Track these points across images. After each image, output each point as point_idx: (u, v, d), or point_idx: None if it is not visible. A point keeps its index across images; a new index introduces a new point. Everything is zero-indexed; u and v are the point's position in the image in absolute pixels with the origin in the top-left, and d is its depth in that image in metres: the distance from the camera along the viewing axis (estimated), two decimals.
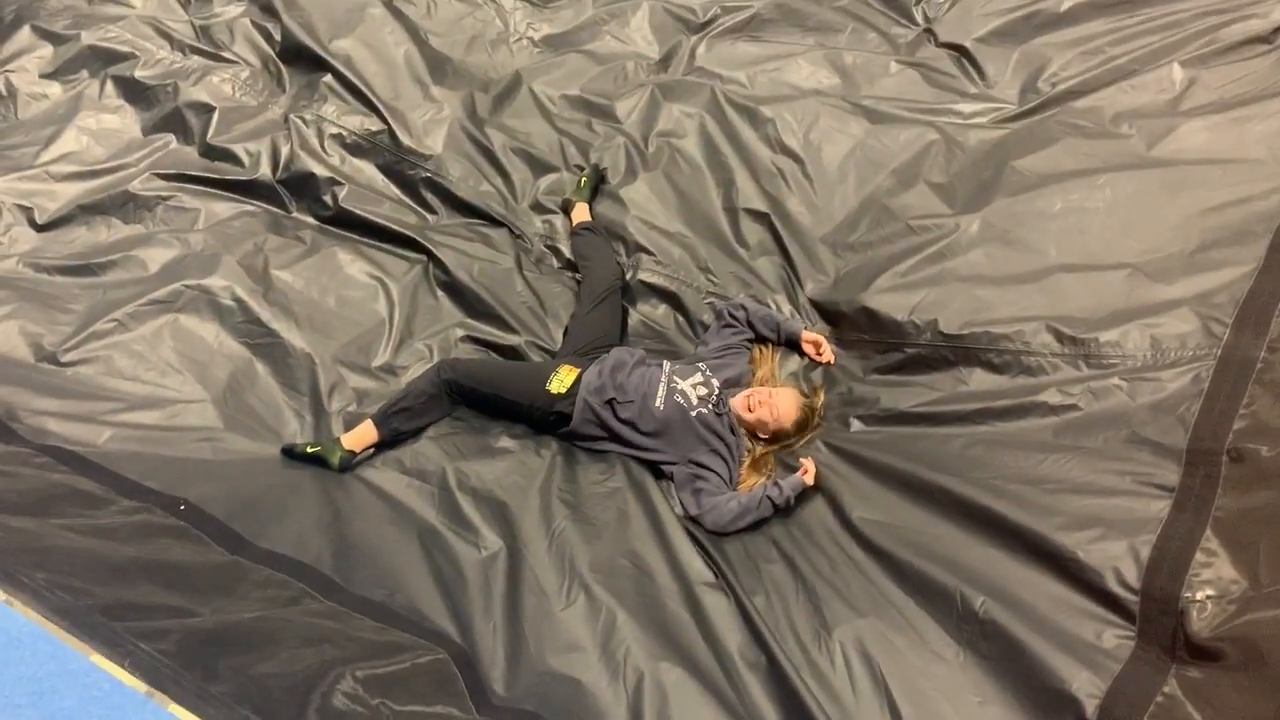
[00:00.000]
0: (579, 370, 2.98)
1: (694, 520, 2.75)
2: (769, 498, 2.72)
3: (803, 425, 2.95)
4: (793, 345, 3.21)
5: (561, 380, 2.95)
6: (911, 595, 2.39)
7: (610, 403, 2.91)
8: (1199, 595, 1.99)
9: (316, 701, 1.74)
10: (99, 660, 1.23)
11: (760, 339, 3.21)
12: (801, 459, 2.85)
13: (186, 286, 3.17)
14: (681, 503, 2.82)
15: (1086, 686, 2.00)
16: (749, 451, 2.95)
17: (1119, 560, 2.14)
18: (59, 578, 1.76)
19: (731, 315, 3.20)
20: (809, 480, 2.76)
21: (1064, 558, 2.21)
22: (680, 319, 3.34)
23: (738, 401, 2.98)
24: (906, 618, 2.35)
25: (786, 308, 3.28)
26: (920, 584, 2.38)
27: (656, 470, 2.95)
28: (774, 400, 2.93)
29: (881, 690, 2.22)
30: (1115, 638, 2.08)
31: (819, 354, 3.16)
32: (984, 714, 2.12)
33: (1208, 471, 2.18)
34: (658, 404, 2.92)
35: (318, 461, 2.82)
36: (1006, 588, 2.25)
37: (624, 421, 2.91)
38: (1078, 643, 2.09)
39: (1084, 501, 2.29)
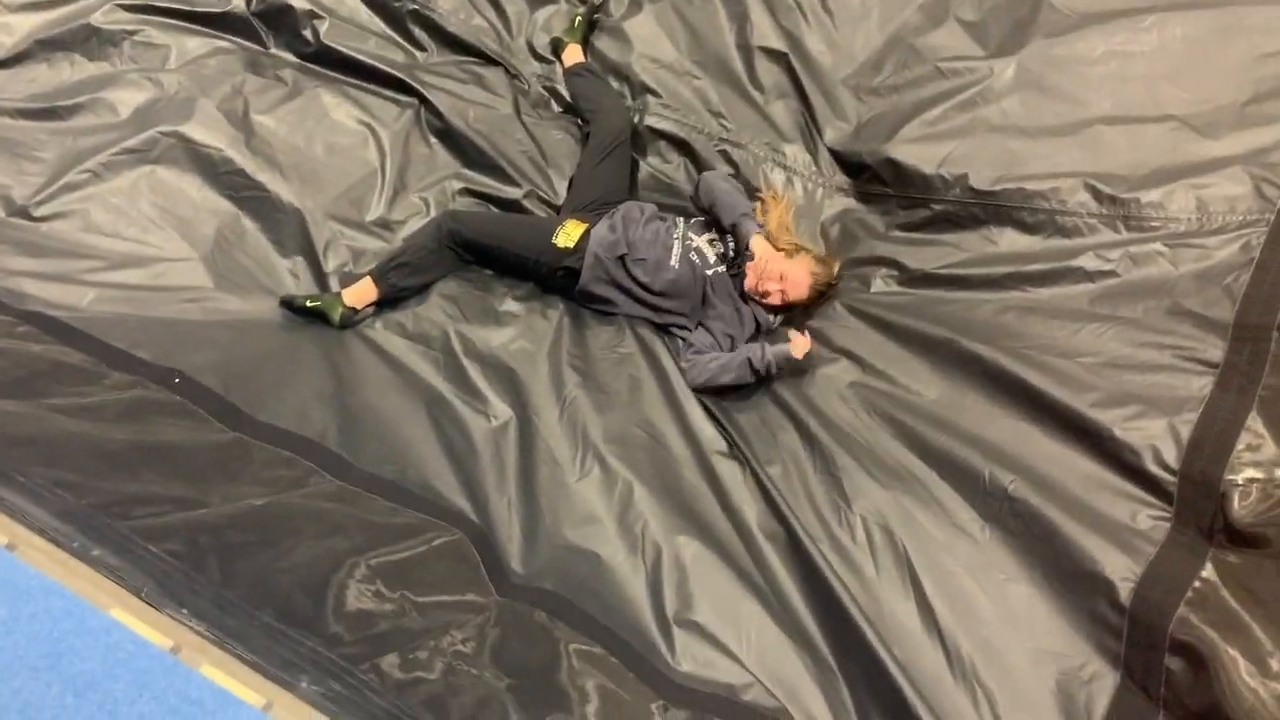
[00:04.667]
0: (587, 225, 2.83)
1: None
2: (749, 360, 2.60)
3: (816, 296, 2.81)
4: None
5: (568, 234, 2.80)
6: (935, 468, 2.32)
7: (622, 259, 2.77)
8: (1242, 478, 1.92)
9: (333, 599, 1.68)
10: (120, 615, 1.14)
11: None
12: (793, 332, 2.70)
13: (162, 134, 2.94)
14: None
15: (1120, 570, 1.96)
16: (770, 324, 2.83)
17: (1158, 439, 2.07)
18: (56, 473, 1.67)
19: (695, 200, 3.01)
20: (796, 354, 2.61)
21: (1100, 435, 2.13)
22: (691, 169, 3.15)
23: (748, 278, 2.81)
24: (930, 491, 2.30)
25: (804, 158, 3.09)
26: (945, 457, 2.32)
27: (666, 332, 2.85)
28: (785, 284, 2.77)
29: (904, 565, 2.19)
30: (1150, 519, 2.03)
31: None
32: (1010, 592, 2.09)
33: (1255, 348, 2.09)
34: (672, 263, 2.78)
35: (317, 316, 2.71)
36: (1037, 464, 2.19)
37: (636, 280, 2.78)
38: (1111, 524, 2.04)
39: (1122, 376, 2.20)
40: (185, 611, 1.37)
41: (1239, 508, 1.90)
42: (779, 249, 2.84)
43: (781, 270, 2.78)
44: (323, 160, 3.04)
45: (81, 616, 1.10)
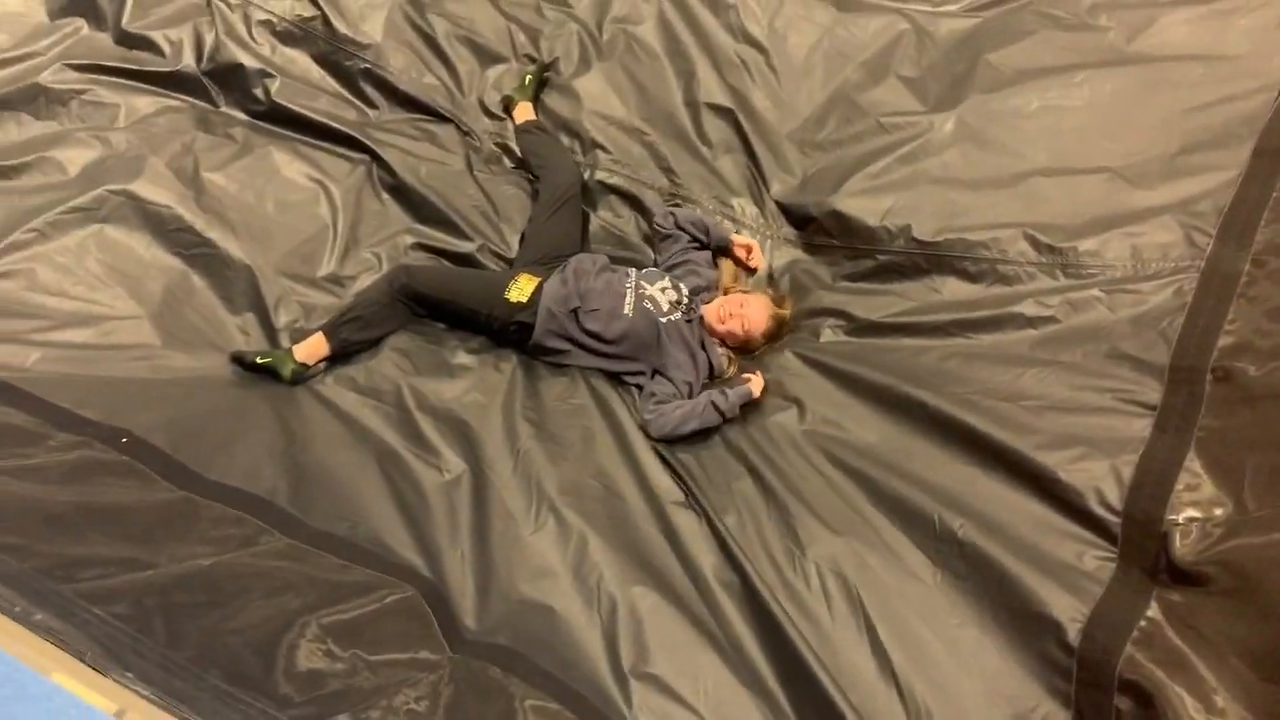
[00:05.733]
0: (539, 279, 2.85)
1: (641, 428, 2.68)
2: (714, 403, 2.65)
3: (773, 335, 2.88)
4: (723, 251, 3.11)
5: (521, 289, 2.82)
6: (886, 514, 2.35)
7: (575, 312, 2.79)
8: (1182, 518, 1.97)
9: (283, 659, 1.66)
10: (63, 679, 1.12)
11: (700, 243, 3.09)
12: (745, 375, 2.78)
13: (110, 192, 2.93)
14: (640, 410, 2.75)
15: (1068, 611, 1.99)
16: (724, 370, 2.88)
17: (1100, 481, 2.11)
18: None
19: (661, 225, 3.07)
20: (755, 391, 2.69)
21: (1044, 477, 2.17)
22: (641, 222, 3.20)
23: (709, 310, 2.89)
24: (882, 537, 2.32)
25: (751, 210, 3.15)
26: (895, 503, 2.34)
27: (619, 382, 2.87)
28: (746, 311, 2.84)
29: (858, 611, 2.20)
30: (1096, 559, 2.06)
31: (749, 258, 3.07)
32: (963, 636, 2.11)
33: (1191, 390, 2.15)
34: (626, 311, 2.81)
35: (268, 372, 2.68)
36: (985, 508, 2.22)
37: (589, 332, 2.80)
38: (1058, 565, 2.07)
39: (1064, 419, 2.25)
40: (131, 675, 1.35)
41: (1180, 547, 1.94)
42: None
43: (743, 300, 2.87)
44: (273, 217, 3.04)
45: (23, 682, 1.07)
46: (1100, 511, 2.09)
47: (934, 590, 2.20)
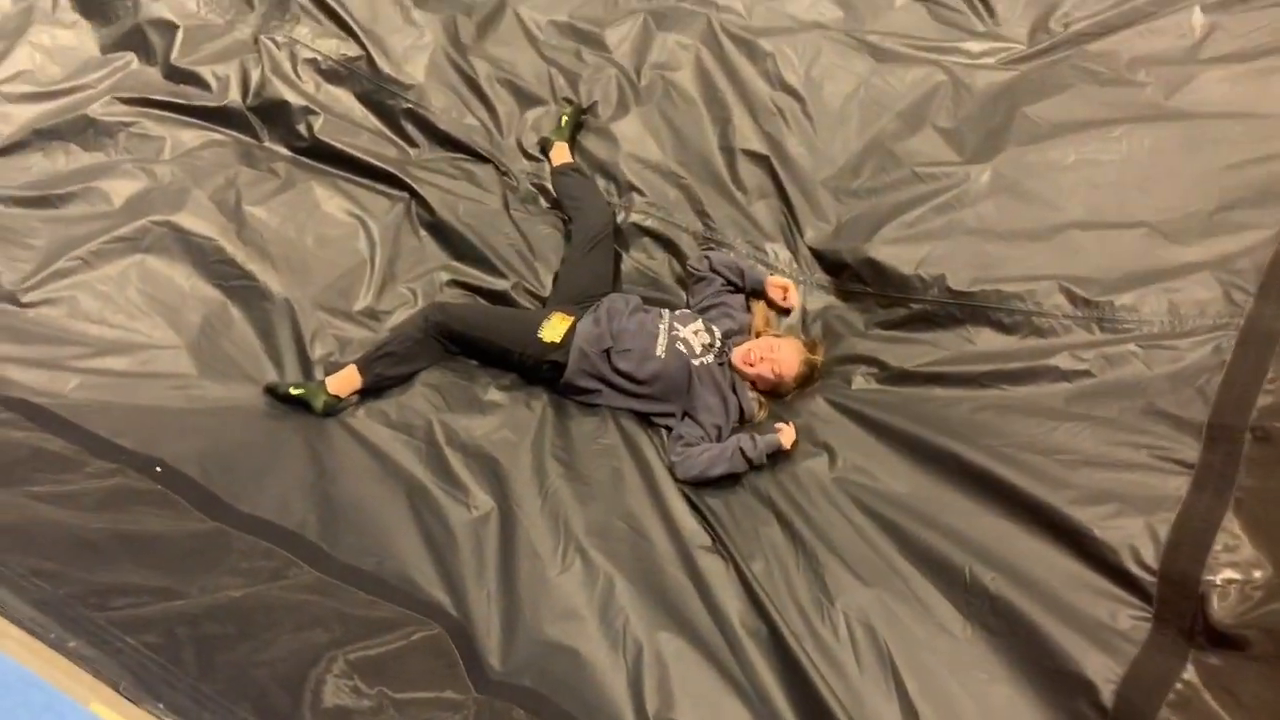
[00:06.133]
0: (573, 319, 2.87)
1: (669, 470, 2.68)
2: (741, 449, 2.65)
3: (804, 380, 2.87)
4: (758, 294, 3.11)
5: (554, 328, 2.84)
6: (917, 565, 2.33)
7: (607, 352, 2.81)
8: (1220, 579, 1.94)
9: (310, 695, 1.66)
10: (100, 709, 1.13)
11: (734, 287, 3.10)
12: (778, 424, 2.78)
13: (154, 223, 2.98)
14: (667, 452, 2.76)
15: (1101, 670, 1.96)
16: (754, 414, 2.88)
17: (1136, 539, 2.09)
18: (34, 561, 1.65)
19: (696, 268, 3.10)
20: (785, 443, 2.69)
21: (1079, 533, 2.15)
22: (675, 264, 3.22)
23: (738, 354, 2.89)
24: (912, 588, 2.30)
25: (785, 255, 3.16)
26: (926, 554, 2.32)
27: (649, 423, 2.87)
28: (776, 355, 2.84)
29: (886, 664, 2.17)
30: (1130, 619, 2.03)
31: (785, 299, 3.08)
32: (992, 692, 2.08)
33: (1229, 449, 2.12)
34: (658, 353, 2.82)
35: (300, 404, 2.71)
36: (1017, 562, 2.20)
37: (621, 372, 2.81)
38: (1092, 623, 2.04)
39: (1099, 475, 2.23)
40: (162, 706, 1.36)
41: (1218, 609, 1.91)
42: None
43: (774, 344, 2.87)
44: (313, 251, 3.08)
45: (62, 711, 1.08)
46: (1135, 570, 2.07)
47: (964, 644, 2.17)
